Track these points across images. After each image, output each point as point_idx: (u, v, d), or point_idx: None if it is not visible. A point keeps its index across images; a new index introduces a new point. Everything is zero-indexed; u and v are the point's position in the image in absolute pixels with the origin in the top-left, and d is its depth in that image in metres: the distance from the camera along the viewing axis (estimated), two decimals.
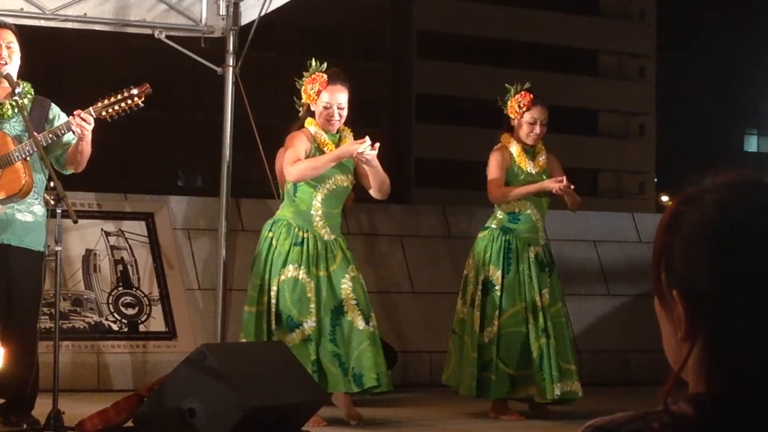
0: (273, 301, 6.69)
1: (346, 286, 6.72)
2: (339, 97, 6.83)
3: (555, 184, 7.26)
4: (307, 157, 6.76)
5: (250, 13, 8.31)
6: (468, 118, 46.48)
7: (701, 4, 53.31)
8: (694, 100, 54.23)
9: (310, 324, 6.65)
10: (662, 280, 1.48)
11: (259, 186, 8.79)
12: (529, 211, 7.36)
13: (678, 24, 52.76)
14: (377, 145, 6.62)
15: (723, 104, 55.40)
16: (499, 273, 7.25)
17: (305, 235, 6.74)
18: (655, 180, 53.28)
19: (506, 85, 7.45)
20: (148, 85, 6.23)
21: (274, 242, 6.75)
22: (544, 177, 7.41)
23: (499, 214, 7.39)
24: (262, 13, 8.03)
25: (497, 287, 7.24)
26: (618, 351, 9.67)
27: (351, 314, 6.70)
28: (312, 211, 6.78)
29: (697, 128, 54.38)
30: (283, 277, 6.68)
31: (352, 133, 6.92)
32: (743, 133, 60.13)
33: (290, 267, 6.69)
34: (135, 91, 6.19)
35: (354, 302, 6.72)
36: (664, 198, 49.77)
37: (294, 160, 6.68)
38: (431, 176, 46.80)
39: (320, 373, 6.64)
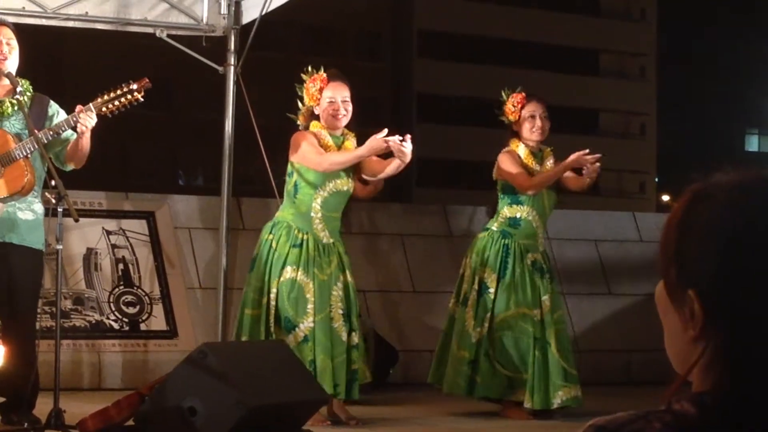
0: (273, 303, 6.70)
1: (336, 294, 6.74)
2: (342, 92, 6.84)
3: (583, 156, 7.19)
4: None
5: (251, 12, 8.31)
6: (468, 117, 46.43)
7: (702, 3, 53.26)
8: (695, 99, 54.20)
9: (306, 324, 6.64)
10: (672, 278, 1.46)
11: (260, 185, 8.77)
12: (530, 218, 7.35)
13: (679, 23, 52.73)
14: (408, 136, 6.61)
15: (724, 103, 55.37)
16: (494, 276, 7.25)
17: (304, 237, 6.75)
18: (656, 180, 53.25)
19: (502, 91, 7.47)
20: (147, 80, 6.22)
21: (273, 244, 6.77)
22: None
23: (501, 217, 7.38)
24: (263, 12, 8.03)
25: (491, 290, 7.24)
26: (619, 351, 9.66)
27: (337, 323, 6.72)
28: (312, 213, 6.78)
29: (698, 128, 54.35)
30: (282, 279, 6.70)
31: (355, 138, 6.92)
32: (744, 133, 60.11)
33: (288, 269, 6.71)
34: (134, 86, 6.19)
35: (341, 312, 6.73)
36: (665, 197, 49.74)
37: (318, 152, 6.70)
38: (432, 175, 46.75)
39: (317, 374, 6.60)
